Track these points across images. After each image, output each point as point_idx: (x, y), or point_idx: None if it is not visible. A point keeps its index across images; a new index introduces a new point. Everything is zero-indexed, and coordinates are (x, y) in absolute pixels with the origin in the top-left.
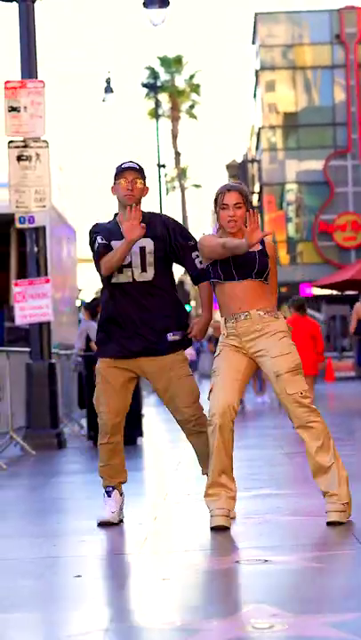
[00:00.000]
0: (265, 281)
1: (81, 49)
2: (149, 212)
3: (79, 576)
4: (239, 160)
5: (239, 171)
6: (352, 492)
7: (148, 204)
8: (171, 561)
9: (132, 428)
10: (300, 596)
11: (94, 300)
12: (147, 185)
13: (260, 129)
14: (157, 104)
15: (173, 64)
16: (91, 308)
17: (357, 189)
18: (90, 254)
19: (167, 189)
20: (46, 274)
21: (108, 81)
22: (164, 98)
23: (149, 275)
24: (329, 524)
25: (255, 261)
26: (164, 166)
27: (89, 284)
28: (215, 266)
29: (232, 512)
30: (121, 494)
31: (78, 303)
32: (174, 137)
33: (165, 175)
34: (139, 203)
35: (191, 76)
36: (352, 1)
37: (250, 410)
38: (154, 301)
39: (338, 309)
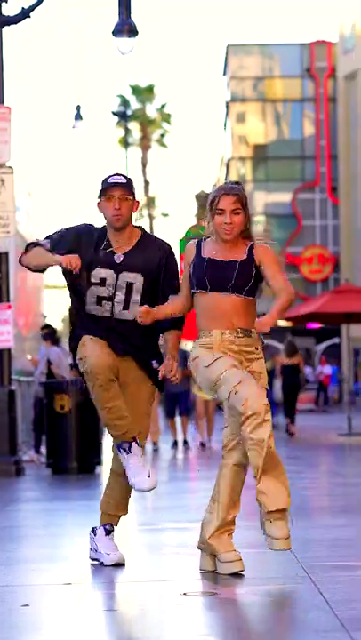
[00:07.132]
0: (246, 296)
1: (52, 75)
2: (147, 235)
3: (27, 605)
4: (208, 190)
5: (207, 201)
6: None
7: None
8: (118, 592)
9: (91, 455)
10: (246, 630)
11: (47, 326)
12: (136, 199)
13: (229, 160)
14: (127, 132)
15: (145, 93)
16: (49, 336)
17: (324, 223)
18: (56, 282)
19: (135, 218)
20: (8, 300)
21: (78, 108)
22: (134, 126)
23: (131, 315)
24: None
25: (233, 274)
26: None
27: (55, 310)
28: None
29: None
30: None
31: None
32: (144, 166)
33: None
34: (130, 220)
35: (162, 106)
36: (323, 35)
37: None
38: (135, 337)
39: (302, 342)
